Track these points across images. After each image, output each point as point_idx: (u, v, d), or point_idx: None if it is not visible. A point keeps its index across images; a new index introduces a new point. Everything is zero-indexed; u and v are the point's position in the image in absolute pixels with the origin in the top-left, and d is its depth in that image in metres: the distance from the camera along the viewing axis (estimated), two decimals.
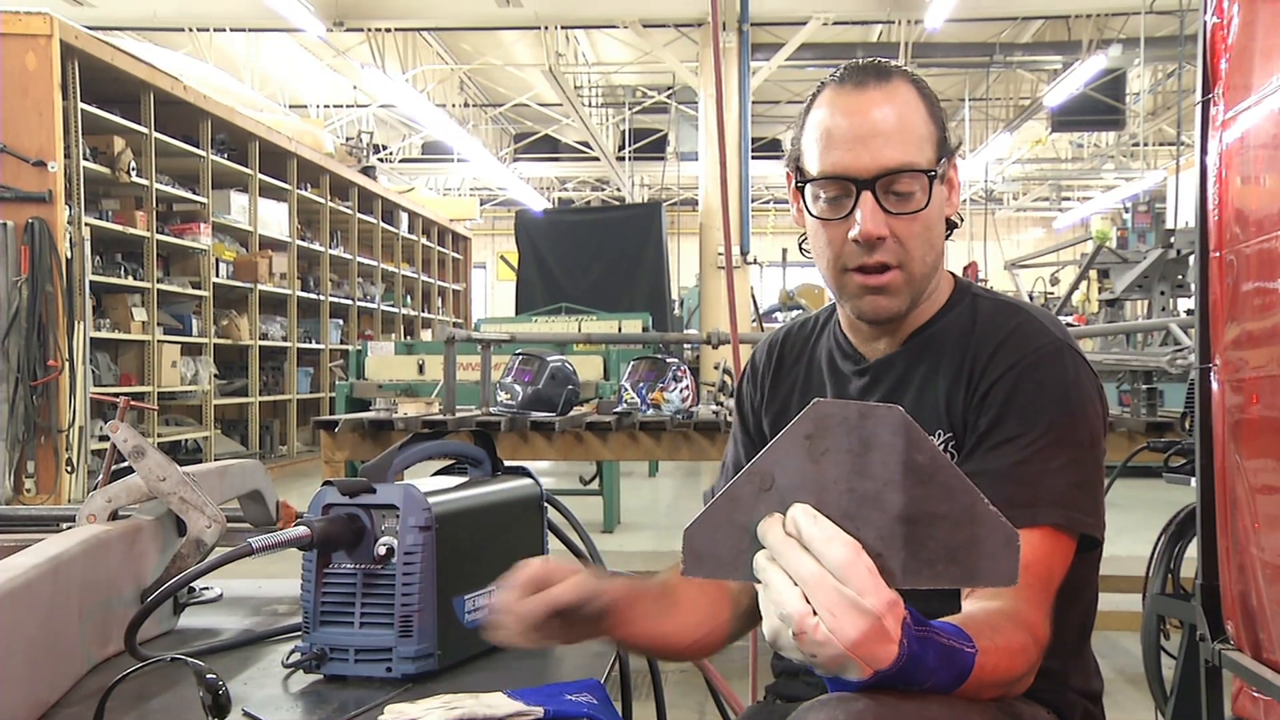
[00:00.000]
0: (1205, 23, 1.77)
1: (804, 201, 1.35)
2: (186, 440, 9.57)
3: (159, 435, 8.66)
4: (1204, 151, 1.77)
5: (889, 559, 0.84)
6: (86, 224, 7.28)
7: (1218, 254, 1.74)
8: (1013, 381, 1.30)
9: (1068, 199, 23.00)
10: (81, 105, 7.16)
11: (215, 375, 9.70)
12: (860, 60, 1.36)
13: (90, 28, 7.78)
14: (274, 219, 10.83)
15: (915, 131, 1.30)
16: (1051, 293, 13.29)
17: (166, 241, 8.82)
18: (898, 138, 1.29)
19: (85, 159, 7.36)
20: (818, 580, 0.82)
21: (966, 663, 0.95)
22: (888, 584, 0.83)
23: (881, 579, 0.83)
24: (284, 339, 11.16)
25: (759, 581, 0.84)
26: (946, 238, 1.40)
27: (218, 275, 9.62)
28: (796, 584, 0.82)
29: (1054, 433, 1.26)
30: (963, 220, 1.46)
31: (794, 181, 1.37)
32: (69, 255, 6.91)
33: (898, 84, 1.32)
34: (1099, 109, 14.38)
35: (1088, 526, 1.25)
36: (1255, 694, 1.77)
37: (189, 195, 9.12)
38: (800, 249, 1.44)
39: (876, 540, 0.83)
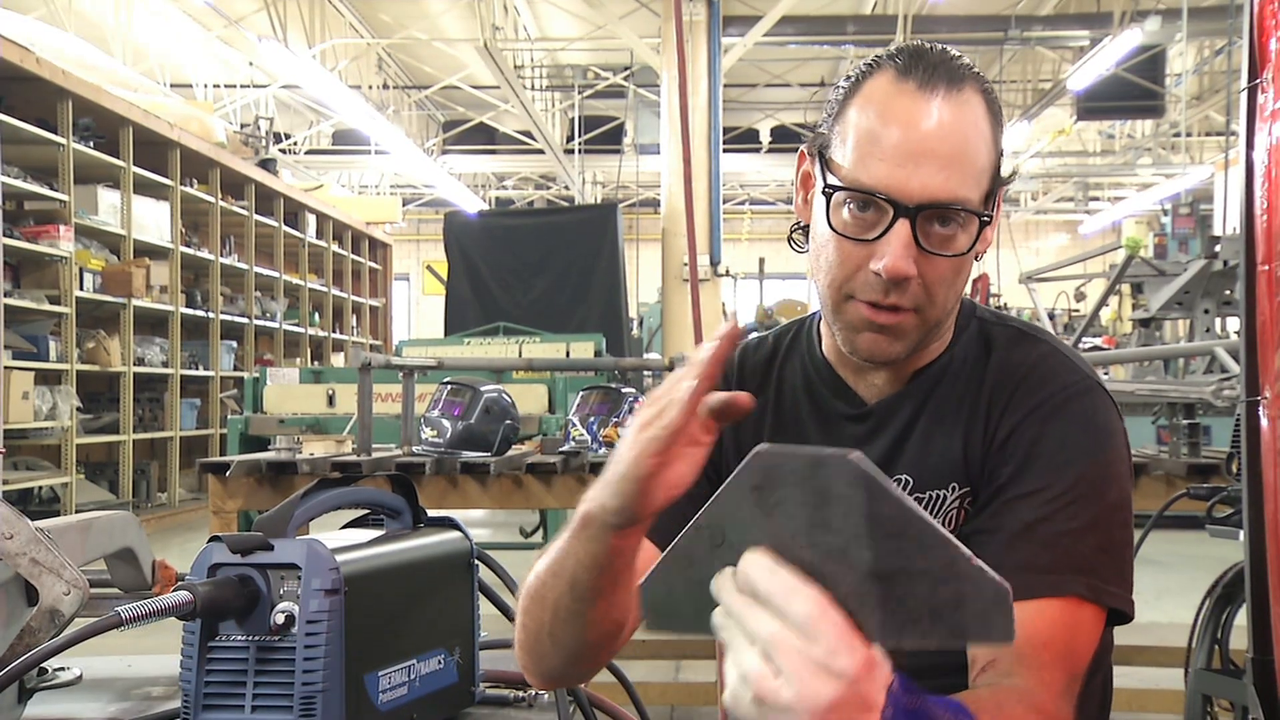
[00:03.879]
0: None
1: (823, 202, 1.31)
2: (41, 488, 9.43)
3: (6, 482, 8.54)
4: (1250, 146, 1.80)
5: (863, 617, 0.85)
6: None
7: (1266, 267, 1.77)
8: (1037, 426, 1.31)
9: (1096, 199, 23.32)
10: None
11: (78, 409, 9.58)
12: (929, 48, 1.31)
13: None
14: (152, 221, 10.75)
15: (977, 160, 1.28)
16: (1076, 310, 13.44)
17: (16, 247, 8.72)
18: (957, 165, 1.26)
19: None
20: (779, 640, 0.82)
21: None
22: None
23: (857, 636, 0.83)
24: (164, 365, 11.06)
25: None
26: None
27: (82, 288, 9.52)
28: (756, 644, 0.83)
29: (1081, 487, 1.27)
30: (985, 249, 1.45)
31: (815, 169, 1.33)
32: None
33: (970, 94, 1.29)
34: (1133, 93, 14.60)
35: (1116, 599, 1.26)
36: None
37: (45, 191, 9.04)
38: (790, 241, 1.42)
39: (848, 597, 0.85)
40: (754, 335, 1.56)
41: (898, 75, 1.28)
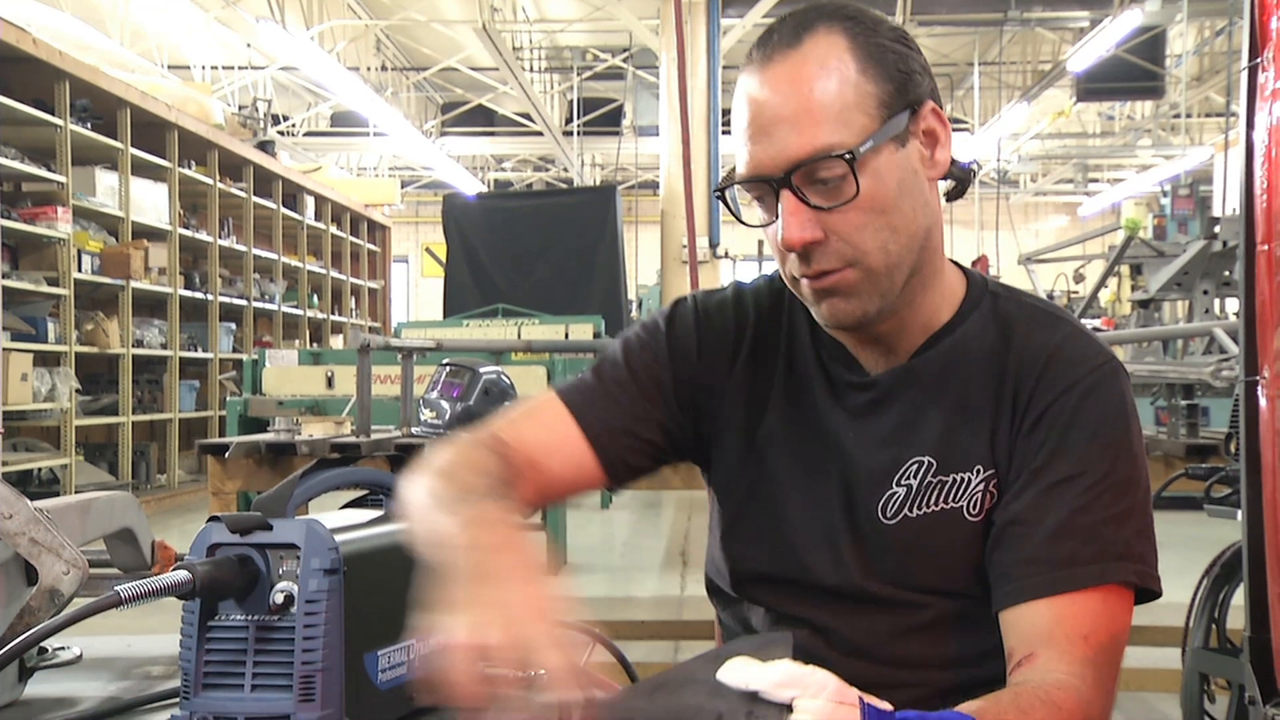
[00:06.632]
0: None
1: (738, 205, 1.38)
2: (40, 469, 9.43)
3: (5, 463, 8.55)
4: (1251, 126, 1.80)
5: None
6: None
7: (1266, 247, 1.77)
8: (1070, 408, 1.30)
9: (1095, 181, 23.29)
10: None
11: (77, 390, 9.58)
12: (781, 19, 1.31)
13: None
14: (150, 203, 10.74)
15: (830, 103, 1.25)
16: (1075, 291, 13.43)
17: (15, 229, 8.71)
18: (804, 118, 1.25)
19: None
20: None
21: None
22: None
23: None
24: (163, 346, 11.06)
25: None
26: (956, 197, 1.38)
27: (80, 270, 9.52)
28: None
29: (1118, 472, 1.28)
30: (974, 174, 1.41)
31: None
32: None
33: (816, 39, 1.27)
34: (1133, 74, 14.57)
35: (1153, 581, 1.28)
36: None
37: (43, 173, 9.02)
38: None
39: None
40: (757, 278, 1.53)
41: (749, 62, 1.32)
